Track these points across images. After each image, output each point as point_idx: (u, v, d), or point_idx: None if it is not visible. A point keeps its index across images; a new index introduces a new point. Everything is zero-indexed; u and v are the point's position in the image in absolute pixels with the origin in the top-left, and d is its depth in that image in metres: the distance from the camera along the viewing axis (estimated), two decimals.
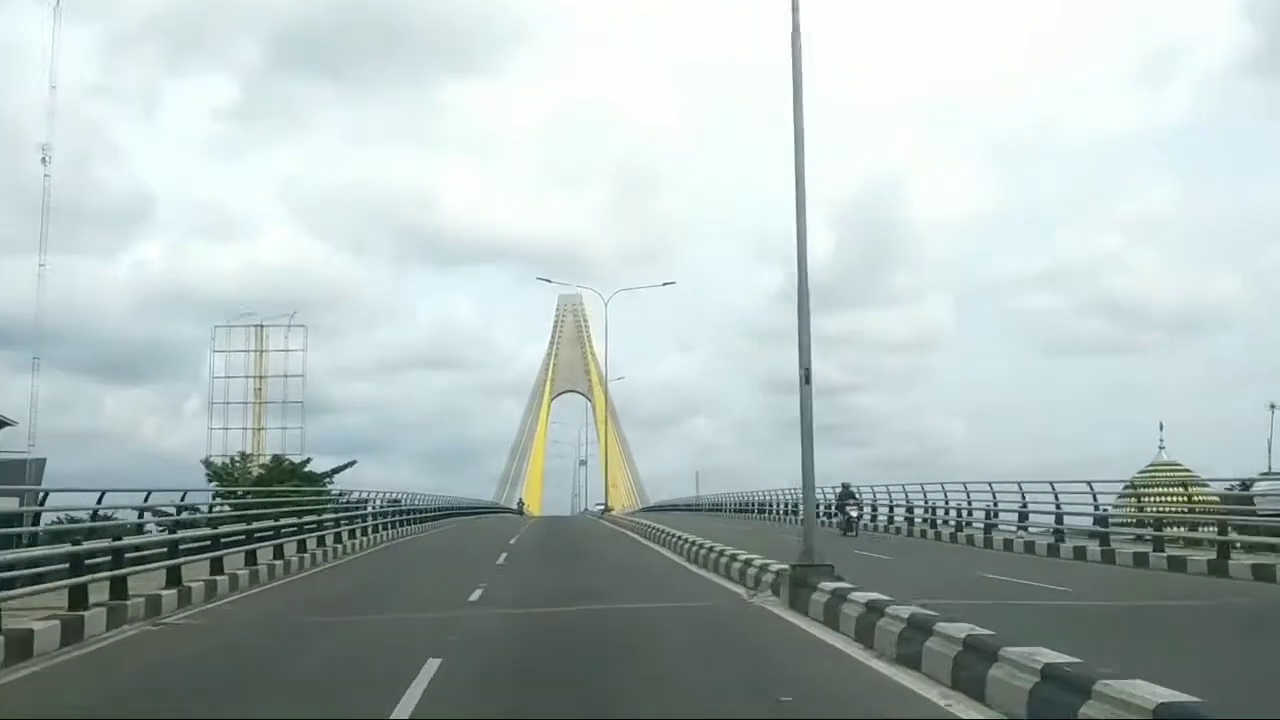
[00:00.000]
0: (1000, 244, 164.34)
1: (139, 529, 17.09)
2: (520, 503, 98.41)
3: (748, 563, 15.88)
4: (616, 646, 10.40)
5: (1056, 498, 26.25)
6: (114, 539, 13.90)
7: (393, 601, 15.06)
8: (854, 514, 30.23)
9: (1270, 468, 35.87)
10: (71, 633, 11.52)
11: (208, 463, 52.05)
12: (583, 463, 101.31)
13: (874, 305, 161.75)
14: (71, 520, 16.16)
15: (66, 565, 12.56)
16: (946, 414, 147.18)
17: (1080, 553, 21.77)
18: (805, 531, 13.31)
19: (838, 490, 31.01)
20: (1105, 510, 23.73)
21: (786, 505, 45.94)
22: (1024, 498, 27.29)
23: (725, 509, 57.24)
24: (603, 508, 67.70)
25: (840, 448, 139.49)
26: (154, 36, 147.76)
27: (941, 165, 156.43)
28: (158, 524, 17.46)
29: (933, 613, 9.22)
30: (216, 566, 16.98)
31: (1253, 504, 20.36)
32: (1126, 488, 28.89)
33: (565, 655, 10.03)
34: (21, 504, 17.84)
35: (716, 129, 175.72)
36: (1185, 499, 26.33)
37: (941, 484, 31.25)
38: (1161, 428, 43.17)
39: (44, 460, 52.65)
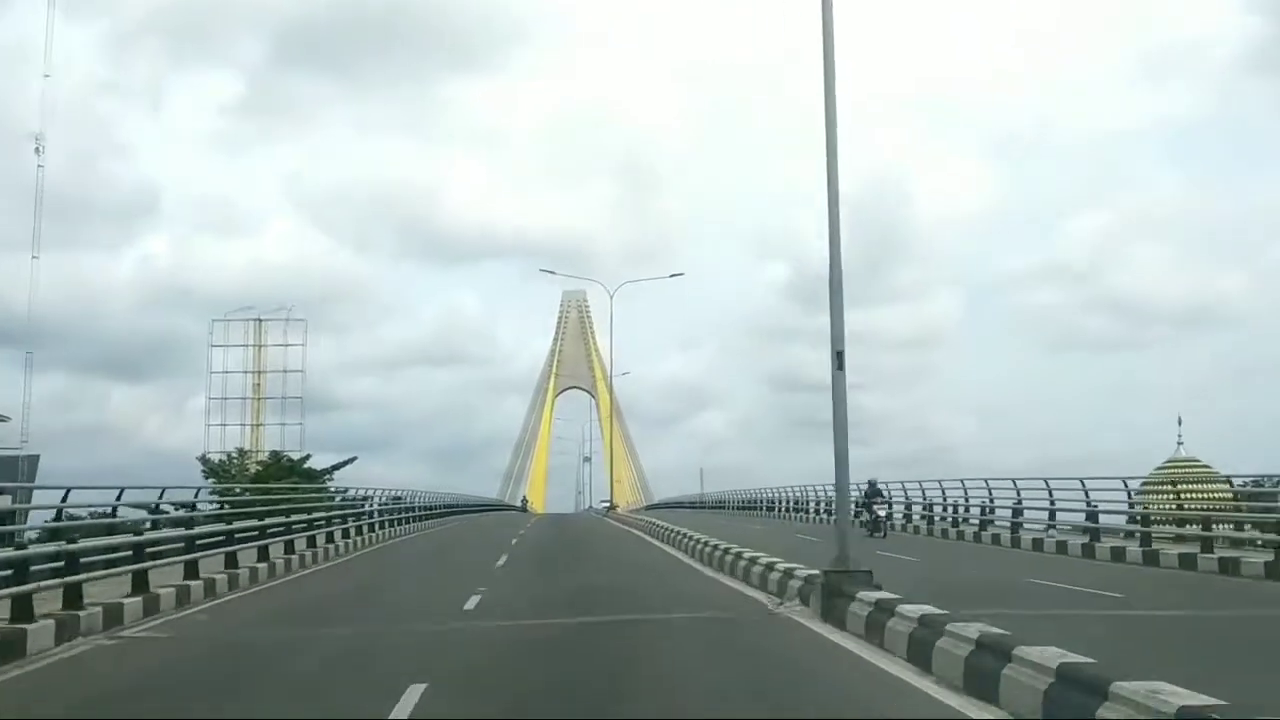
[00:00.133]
0: (1004, 241, 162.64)
1: (109, 529, 15.71)
2: (524, 500, 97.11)
3: (770, 567, 14.36)
4: (629, 671, 8.89)
5: (1087, 495, 24.77)
6: (68, 541, 12.41)
7: (380, 610, 13.55)
8: (882, 513, 28.19)
9: None
10: (10, 650, 10.07)
11: (204, 459, 50.74)
12: (587, 459, 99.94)
13: (877, 303, 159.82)
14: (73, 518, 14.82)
15: (10, 572, 11.15)
16: (950, 411, 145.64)
17: (1119, 553, 20.23)
18: (839, 534, 11.79)
19: (863, 488, 28.91)
20: (1138, 508, 22.33)
21: (795, 503, 44.67)
22: (1051, 495, 25.93)
23: (728, 506, 56.25)
24: (608, 505, 66.19)
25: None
26: (159, 32, 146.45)
27: (944, 162, 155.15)
28: (126, 525, 15.97)
29: (1001, 631, 7.74)
30: (191, 571, 15.52)
31: None
32: (1144, 484, 27.56)
33: (569, 682, 8.50)
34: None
35: (717, 128, 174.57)
36: (1209, 496, 25.00)
37: (961, 480, 29.74)
38: (1180, 422, 41.88)
39: (37, 456, 51.30)
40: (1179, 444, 40.54)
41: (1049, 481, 25.88)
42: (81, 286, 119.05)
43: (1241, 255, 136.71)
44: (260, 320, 67.10)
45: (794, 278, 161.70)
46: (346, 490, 35.74)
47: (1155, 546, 19.67)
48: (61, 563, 11.91)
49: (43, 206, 61.58)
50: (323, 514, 23.95)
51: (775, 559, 14.75)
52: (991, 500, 27.47)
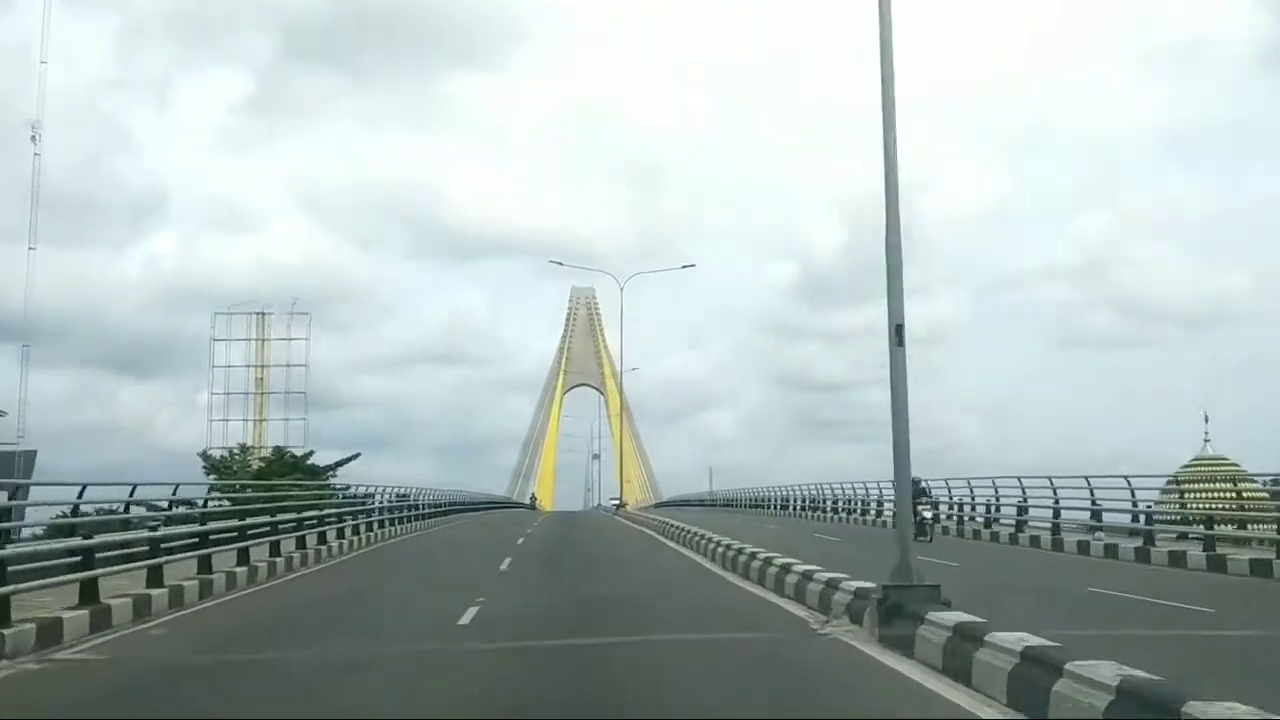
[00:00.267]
0: (1010, 239, 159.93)
1: (65, 530, 13.93)
2: (533, 498, 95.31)
3: (807, 576, 12.40)
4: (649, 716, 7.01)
5: (1133, 494, 22.89)
6: None
7: (360, 626, 11.59)
8: (928, 515, 24.98)
9: None
10: None
11: (205, 455, 48.92)
12: (596, 457, 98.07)
13: (884, 301, 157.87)
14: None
15: None
16: (956, 410, 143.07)
17: (1177, 558, 18.27)
18: (900, 540, 9.85)
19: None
20: (1190, 508, 20.46)
21: (810, 502, 42.80)
22: (1093, 494, 24.00)
23: (737, 505, 54.88)
24: (617, 503, 64.32)
25: (849, 444, 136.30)
26: (166, 29, 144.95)
27: (950, 161, 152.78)
28: (87, 525, 14.12)
29: (1145, 675, 5.84)
30: (155, 578, 13.68)
31: None
32: (1170, 482, 25.61)
33: None
34: None
35: (722, 127, 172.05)
36: (1242, 495, 23.06)
37: (992, 479, 27.75)
38: (1207, 419, 39.84)
39: (34, 452, 49.61)
40: (1205, 441, 38.59)
41: (1090, 480, 24.10)
42: (87, 283, 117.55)
43: (1251, 251, 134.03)
44: (263, 314, 65.08)
45: (801, 276, 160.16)
46: (349, 487, 34.05)
47: (1220, 551, 17.78)
48: None
49: (39, 197, 59.56)
50: (315, 512, 22.04)
51: (812, 566, 12.82)
52: (1025, 500, 25.57)
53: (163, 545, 14.03)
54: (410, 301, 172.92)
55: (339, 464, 48.69)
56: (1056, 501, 24.23)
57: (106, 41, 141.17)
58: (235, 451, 50.19)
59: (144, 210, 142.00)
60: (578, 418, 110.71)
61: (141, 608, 12.56)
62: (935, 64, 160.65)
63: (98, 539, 12.58)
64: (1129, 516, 22.20)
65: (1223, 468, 36.67)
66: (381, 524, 28.34)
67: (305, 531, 20.51)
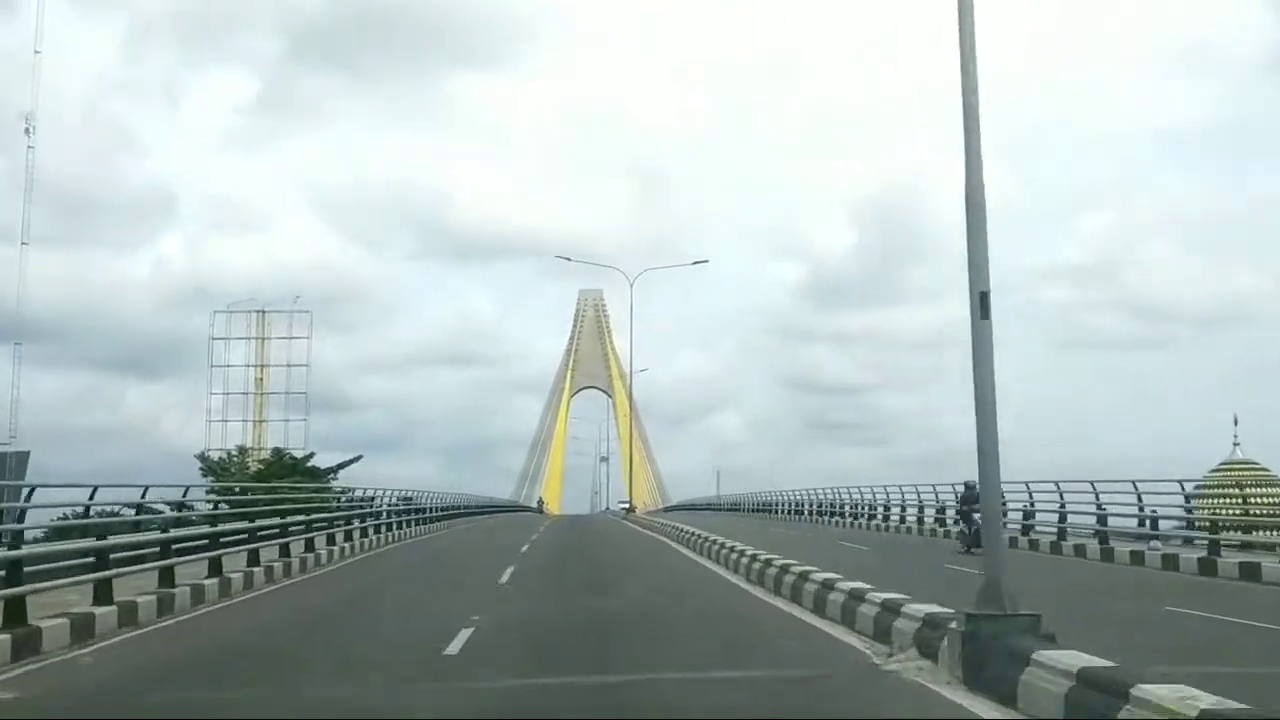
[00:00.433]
0: (1020, 239, 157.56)
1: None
2: (540, 501, 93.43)
3: (856, 596, 10.44)
4: None
5: (1187, 500, 20.97)
6: None
7: (330, 655, 9.56)
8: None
9: None
10: None
11: (203, 457, 47.24)
12: (604, 459, 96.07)
13: (893, 303, 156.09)
14: None
15: None
16: (966, 412, 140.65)
17: (1250, 571, 16.27)
18: (989, 556, 7.88)
19: (959, 491, 23.81)
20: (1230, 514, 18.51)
21: (830, 507, 40.83)
22: (1140, 499, 22.05)
23: (744, 509, 53.00)
24: (626, 507, 62.30)
25: (858, 447, 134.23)
26: (174, 30, 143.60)
27: (961, 166, 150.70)
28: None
29: None
30: (104, 594, 11.82)
31: None
32: (1198, 487, 23.62)
33: None
34: None
35: (727, 128, 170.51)
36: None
37: (1026, 484, 25.65)
38: (1236, 422, 37.92)
39: (27, 453, 47.86)
40: (1235, 445, 36.64)
41: (1138, 484, 22.15)
42: (90, 284, 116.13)
43: (1260, 252, 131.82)
44: (264, 312, 62.94)
45: (807, 277, 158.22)
46: (351, 490, 32.24)
47: None
48: None
49: (33, 190, 57.77)
50: (301, 517, 20.13)
51: (860, 584, 10.89)
52: (1063, 506, 23.54)
53: (112, 556, 12.15)
54: (416, 302, 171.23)
55: (340, 466, 47.03)
56: (1100, 507, 22.31)
57: (111, 42, 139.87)
58: (234, 453, 48.49)
59: (148, 211, 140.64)
60: (585, 420, 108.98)
61: (83, 629, 10.70)
62: (936, 66, 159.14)
63: (26, 550, 10.71)
64: (1169, 522, 20.46)
65: (1253, 472, 34.72)
66: (378, 529, 26.45)
67: (290, 539, 18.63)
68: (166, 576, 13.44)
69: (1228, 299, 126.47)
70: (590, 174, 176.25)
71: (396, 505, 31.14)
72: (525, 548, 24.19)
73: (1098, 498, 22.93)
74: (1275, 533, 17.48)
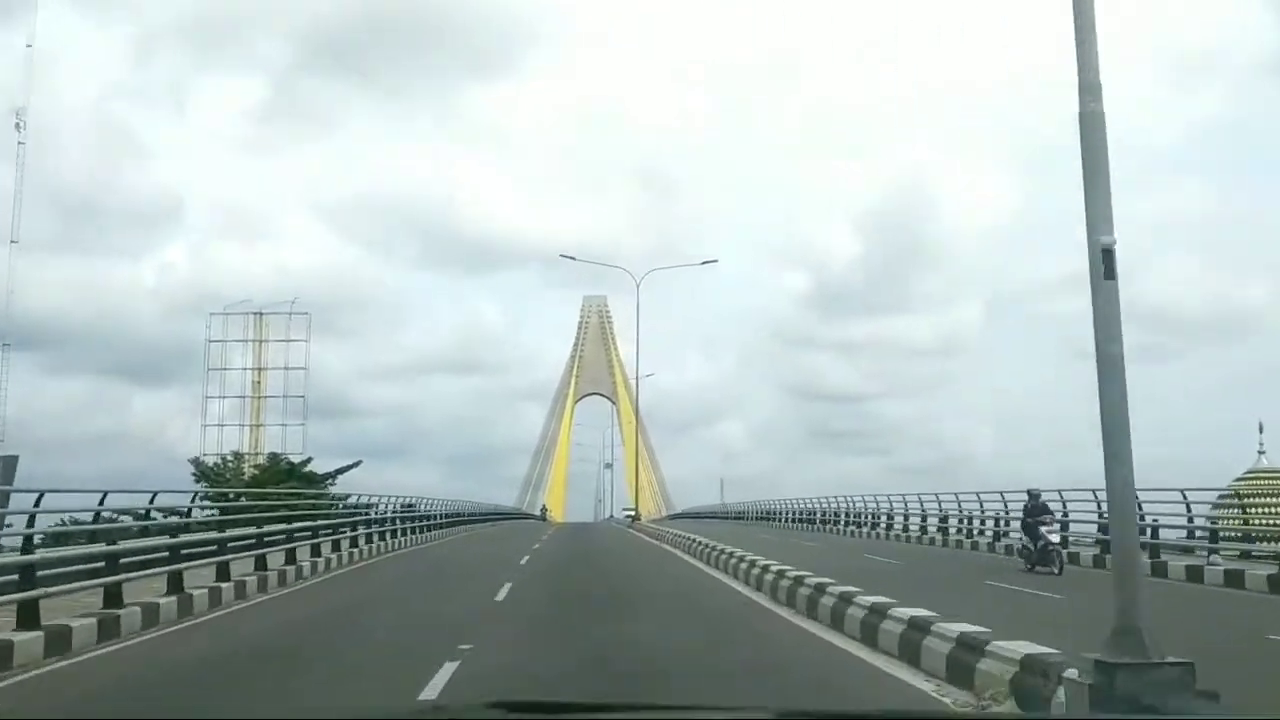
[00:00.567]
0: (1028, 248, 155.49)
1: None
2: (544, 509, 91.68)
3: (918, 626, 8.62)
4: None
5: (1244, 511, 19.21)
6: None
7: (279, 701, 7.75)
8: (1055, 538, 18.56)
9: None
10: None
11: (197, 462, 45.45)
12: (608, 466, 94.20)
13: (896, 311, 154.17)
14: None
15: None
16: (971, 421, 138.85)
17: None
18: (1119, 585, 6.02)
19: (1025, 502, 19.98)
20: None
21: (833, 515, 38.99)
22: (1189, 509, 20.26)
23: (748, 517, 51.96)
24: (631, 515, 60.47)
25: (861, 455, 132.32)
26: (183, 37, 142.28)
27: (967, 169, 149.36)
28: None
29: None
30: (29, 616, 10.03)
31: None
32: (1221, 497, 21.78)
33: None
34: None
35: (726, 128, 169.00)
36: None
37: (1059, 491, 23.69)
38: (1261, 429, 36.09)
39: (15, 458, 45.89)
40: (1260, 453, 34.81)
41: (1186, 493, 20.37)
42: (90, 289, 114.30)
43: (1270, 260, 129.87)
44: (261, 314, 60.89)
45: (809, 283, 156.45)
46: (348, 497, 30.46)
47: None
48: None
49: (25, 188, 55.83)
50: (282, 525, 18.30)
51: (922, 611, 9.05)
52: (1101, 516, 21.64)
53: (37, 571, 10.37)
54: (419, 309, 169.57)
55: (338, 472, 45.31)
56: (1143, 518, 20.44)
57: (119, 47, 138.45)
58: (229, 459, 46.70)
59: (154, 217, 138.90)
60: (589, 426, 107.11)
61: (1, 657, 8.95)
62: (942, 65, 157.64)
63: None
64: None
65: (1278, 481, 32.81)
66: (369, 539, 24.63)
67: (266, 550, 16.82)
68: (112, 598, 11.66)
69: (1242, 308, 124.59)
70: (591, 176, 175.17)
71: (395, 513, 29.43)
72: (526, 559, 22.37)
73: (1140, 508, 21.18)
74: None
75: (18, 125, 54.08)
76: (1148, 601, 5.81)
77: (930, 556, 24.27)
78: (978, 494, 28.48)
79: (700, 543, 22.87)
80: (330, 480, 44.04)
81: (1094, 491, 22.17)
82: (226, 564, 14.96)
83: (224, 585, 14.44)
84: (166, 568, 13.32)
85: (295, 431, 60.34)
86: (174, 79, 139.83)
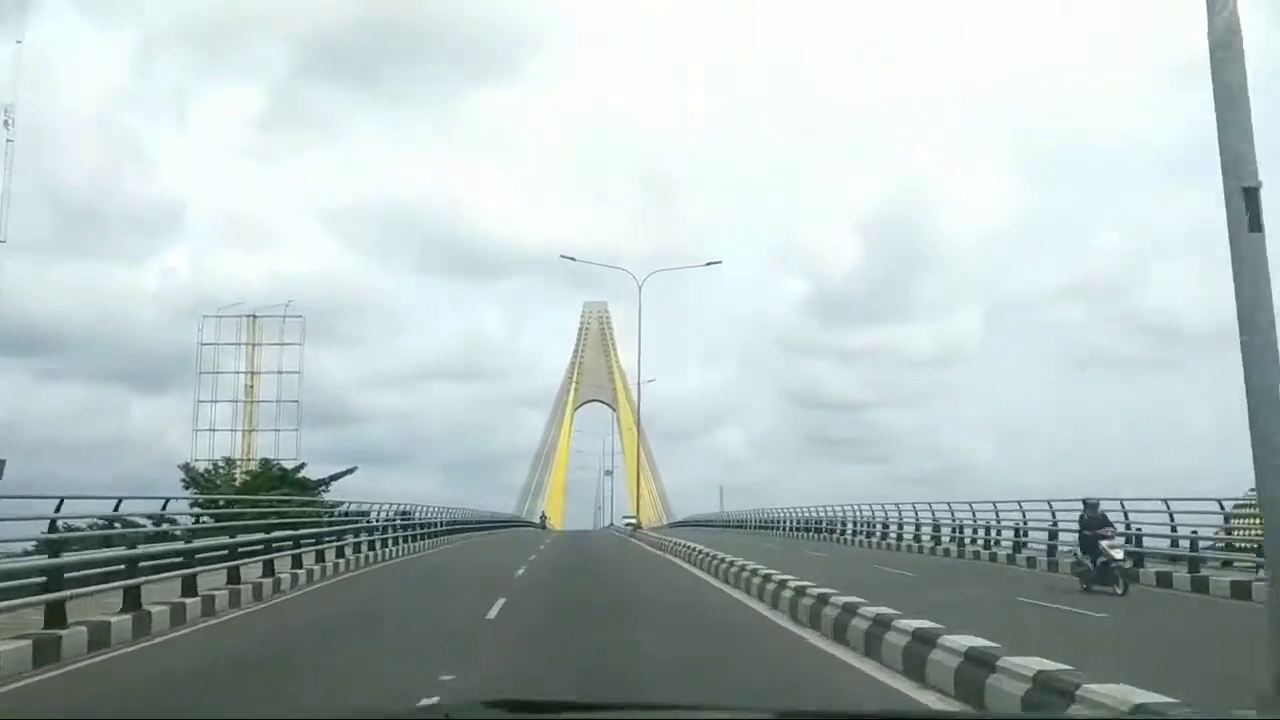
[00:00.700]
0: (1028, 251, 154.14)
1: None
2: (543, 516, 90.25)
3: (980, 661, 7.25)
4: None
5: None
6: None
7: None
8: (1118, 554, 16.36)
9: None
10: None
11: (187, 468, 43.97)
12: (609, 473, 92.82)
13: (895, 319, 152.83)
14: None
15: None
16: (971, 430, 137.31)
17: None
18: (1275, 617, 4.67)
19: (1080, 514, 17.74)
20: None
21: (842, 524, 37.65)
22: (1227, 521, 18.97)
23: (749, 525, 50.86)
24: (632, 524, 58.96)
25: (861, 464, 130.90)
26: (184, 44, 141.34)
27: (967, 170, 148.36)
28: None
29: None
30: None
31: None
32: (1235, 506, 20.24)
33: None
34: None
35: (726, 128, 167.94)
36: None
37: (1121, 503, 21.40)
38: None
39: (2, 461, 44.74)
40: None
41: (1223, 503, 19.08)
42: (90, 295, 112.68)
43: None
44: (254, 317, 59.51)
45: (812, 292, 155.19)
46: (342, 504, 29.19)
47: None
48: None
49: (13, 186, 54.23)
50: (260, 535, 16.92)
51: (978, 641, 7.68)
52: (1174, 529, 19.63)
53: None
54: (419, 315, 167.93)
55: (332, 478, 43.79)
56: (1195, 531, 19.01)
57: (122, 53, 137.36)
58: (220, 464, 45.32)
59: (154, 224, 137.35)
60: (589, 433, 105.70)
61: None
62: (946, 67, 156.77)
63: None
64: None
65: None
66: (358, 549, 23.27)
67: (240, 562, 15.45)
68: (56, 616, 10.31)
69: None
70: (592, 178, 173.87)
71: (392, 520, 28.20)
72: (522, 570, 21.00)
73: (1172, 518, 19.78)
74: None
75: (5, 123, 52.65)
76: None
77: (945, 569, 22.93)
78: (994, 503, 27.15)
79: (704, 553, 21.38)
80: (323, 487, 42.65)
81: (1165, 501, 20.46)
82: (194, 578, 13.61)
83: (189, 601, 13.08)
84: (122, 583, 11.97)
85: (289, 437, 58.98)
86: (176, 85, 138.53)
